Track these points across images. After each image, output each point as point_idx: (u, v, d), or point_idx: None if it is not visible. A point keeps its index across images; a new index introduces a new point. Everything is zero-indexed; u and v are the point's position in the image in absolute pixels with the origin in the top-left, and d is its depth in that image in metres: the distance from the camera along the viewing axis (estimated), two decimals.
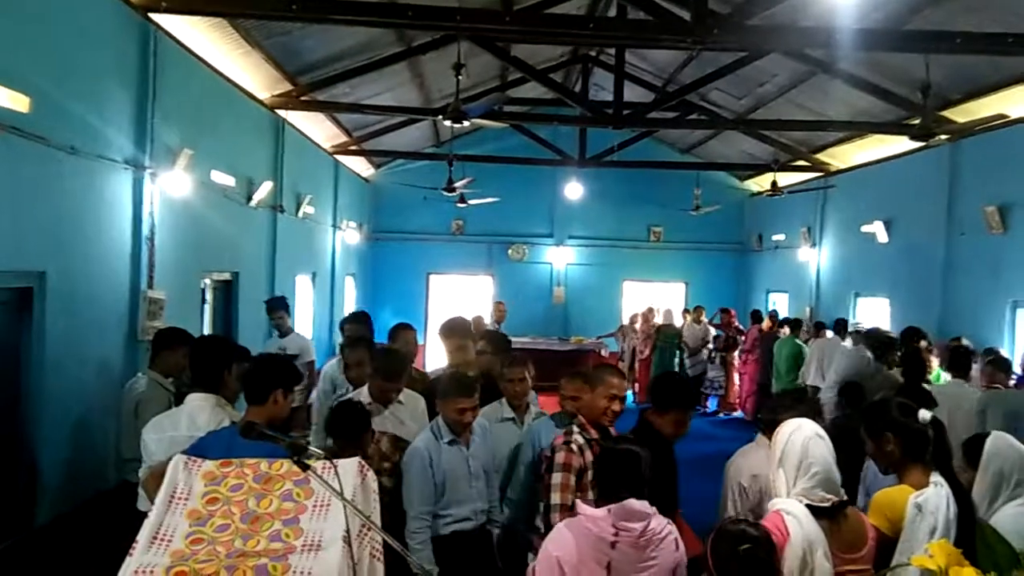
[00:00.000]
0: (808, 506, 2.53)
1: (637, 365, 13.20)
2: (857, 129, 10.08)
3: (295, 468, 2.29)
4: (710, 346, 12.80)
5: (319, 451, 2.34)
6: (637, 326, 13.44)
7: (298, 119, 10.05)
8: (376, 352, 4.58)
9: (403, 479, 3.67)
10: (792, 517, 2.49)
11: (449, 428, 3.73)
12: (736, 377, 12.65)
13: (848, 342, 9.22)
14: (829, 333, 10.23)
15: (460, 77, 7.21)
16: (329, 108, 10.10)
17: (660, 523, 2.71)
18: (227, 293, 8.11)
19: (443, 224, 15.96)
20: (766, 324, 11.78)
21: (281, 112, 9.24)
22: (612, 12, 9.42)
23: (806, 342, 10.39)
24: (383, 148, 13.89)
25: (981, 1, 6.54)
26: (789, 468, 2.64)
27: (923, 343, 7.08)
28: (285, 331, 7.32)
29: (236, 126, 8.18)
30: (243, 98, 8.17)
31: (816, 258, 13.06)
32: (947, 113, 8.21)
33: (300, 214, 10.31)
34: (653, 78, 12.09)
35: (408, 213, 15.56)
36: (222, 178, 7.47)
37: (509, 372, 4.39)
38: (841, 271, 12.33)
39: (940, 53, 6.39)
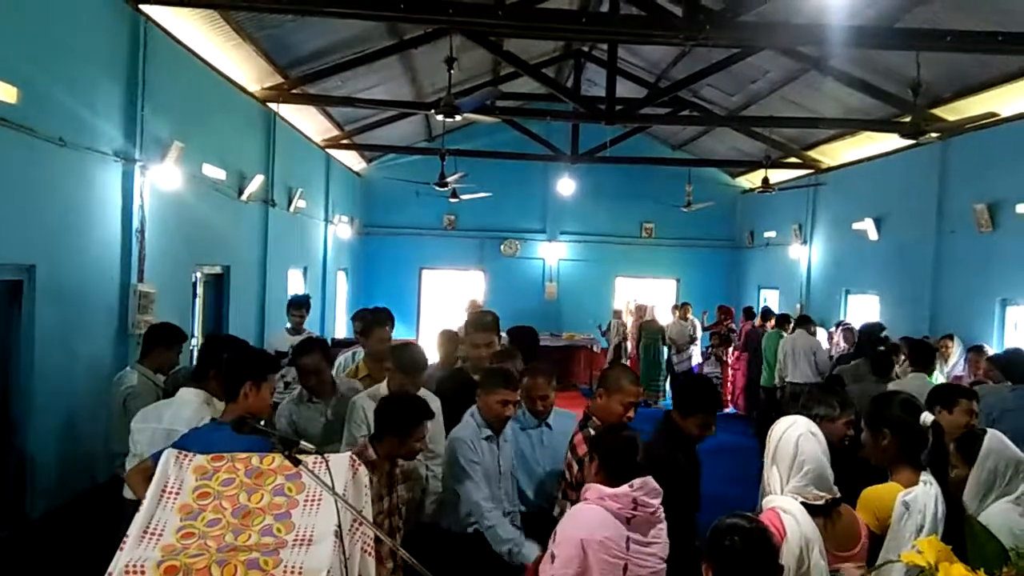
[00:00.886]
0: (803, 504, 2.54)
1: (627, 361, 13.24)
2: (848, 127, 10.12)
3: (286, 463, 2.28)
4: (697, 343, 12.84)
5: (310, 446, 2.33)
6: (626, 321, 13.48)
7: (290, 113, 10.00)
8: (395, 347, 4.51)
9: (450, 471, 3.60)
10: (788, 515, 2.50)
11: (487, 423, 3.66)
12: (730, 373, 12.71)
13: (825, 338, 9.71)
14: (821, 330, 10.32)
15: (452, 71, 7.19)
16: (321, 101, 10.07)
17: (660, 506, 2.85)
18: (218, 287, 8.08)
19: (435, 219, 15.95)
20: (757, 321, 11.84)
21: (272, 105, 9.20)
22: (605, 7, 9.40)
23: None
24: (375, 142, 13.85)
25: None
26: (783, 465, 2.66)
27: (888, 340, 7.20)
28: (300, 330, 7.06)
29: (227, 119, 8.13)
30: (234, 91, 8.12)
31: (807, 255, 13.11)
32: (937, 111, 8.25)
33: (292, 208, 10.27)
34: (646, 74, 12.10)
35: (400, 208, 15.53)
36: (213, 171, 7.43)
37: (532, 386, 3.95)
38: (832, 268, 12.39)
39: (931, 51, 6.41)
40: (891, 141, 9.78)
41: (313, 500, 2.29)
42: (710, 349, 12.75)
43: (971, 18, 6.54)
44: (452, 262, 16.32)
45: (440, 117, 7.33)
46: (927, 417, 2.89)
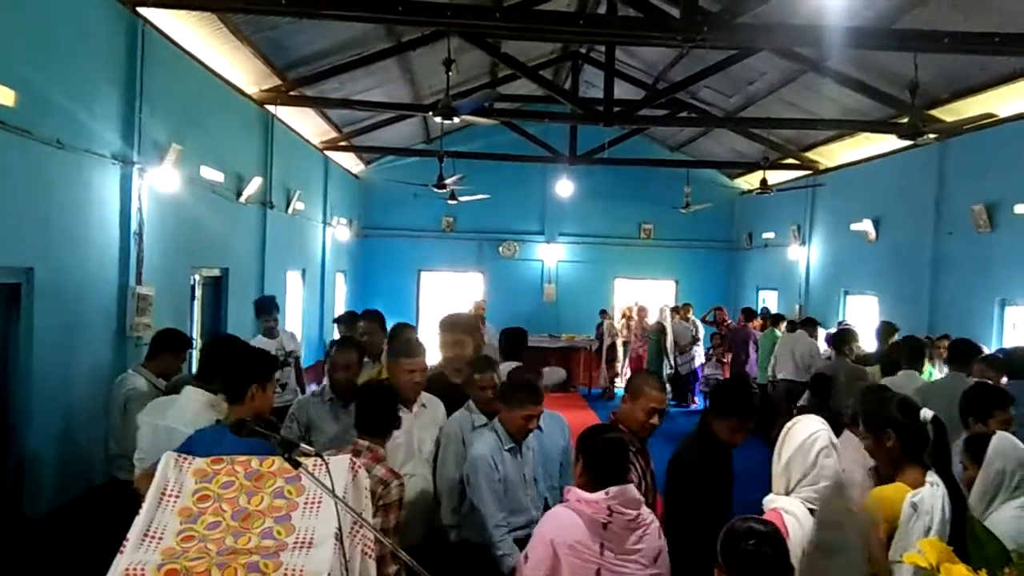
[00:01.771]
0: (812, 510, 2.53)
1: (627, 362, 13.31)
2: (846, 128, 10.13)
3: (286, 465, 2.28)
4: (700, 343, 12.86)
5: (310, 448, 2.33)
6: (624, 322, 13.50)
7: (288, 115, 10.01)
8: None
9: (470, 488, 3.54)
10: (791, 516, 2.50)
11: (510, 435, 3.61)
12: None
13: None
14: (822, 331, 10.38)
15: (450, 73, 7.19)
16: (319, 104, 10.07)
17: (647, 511, 2.82)
18: (217, 289, 8.07)
19: (434, 221, 15.95)
20: (757, 322, 11.87)
21: (270, 107, 9.20)
22: (602, 9, 9.42)
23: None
24: (373, 144, 13.86)
25: (969, 1, 6.58)
26: (795, 472, 2.65)
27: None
28: (274, 334, 6.87)
29: (225, 121, 8.13)
30: (232, 93, 8.12)
31: (805, 256, 13.12)
32: (935, 112, 8.26)
33: (290, 210, 10.27)
34: (643, 75, 12.11)
35: (398, 210, 15.54)
36: (211, 174, 7.42)
37: (480, 378, 4.02)
38: (830, 269, 12.40)
39: (928, 52, 6.43)
40: (889, 142, 9.79)
41: (313, 503, 2.28)
42: (711, 351, 12.77)
43: (969, 19, 6.55)
44: (451, 264, 16.32)
45: (438, 119, 7.33)
46: (927, 413, 2.88)
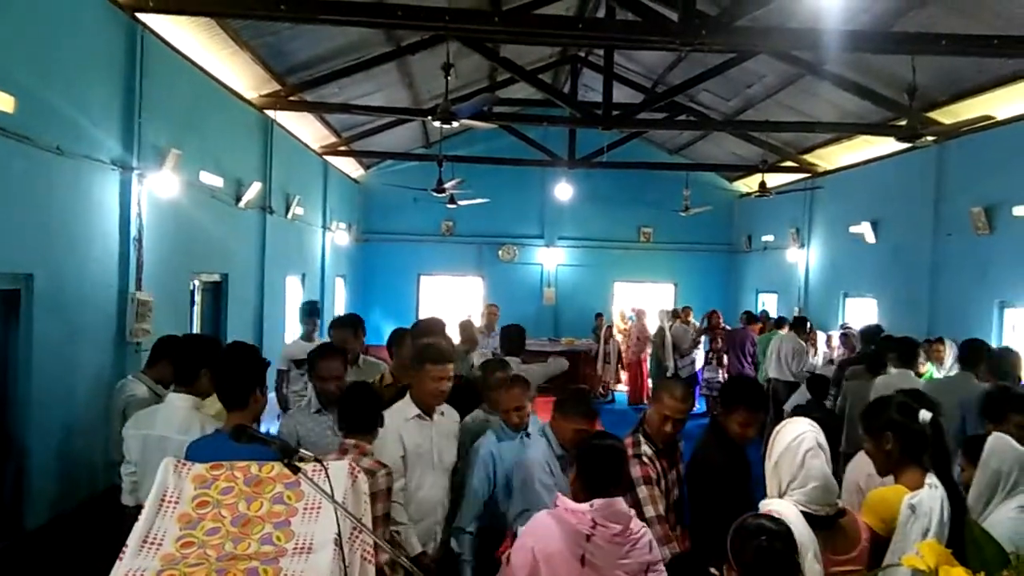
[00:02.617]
0: (805, 513, 2.53)
1: (627, 365, 13.30)
2: (844, 130, 10.14)
3: (285, 471, 2.27)
4: (700, 346, 12.84)
5: (309, 453, 2.33)
6: (624, 327, 13.49)
7: (287, 120, 10.01)
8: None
9: (522, 492, 3.52)
10: (783, 519, 2.49)
11: (560, 443, 3.59)
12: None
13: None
14: (822, 334, 10.42)
15: (449, 77, 7.19)
16: (318, 108, 10.07)
17: (637, 524, 2.79)
18: (216, 294, 8.07)
19: (433, 225, 15.96)
20: (758, 326, 11.86)
21: (270, 112, 9.21)
22: (601, 13, 9.44)
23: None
24: (372, 149, 13.85)
25: (966, 3, 6.60)
26: (784, 475, 2.65)
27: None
28: (313, 338, 7.04)
29: (224, 127, 8.14)
30: (231, 98, 8.13)
31: (805, 259, 13.13)
32: (933, 115, 8.27)
33: (289, 215, 10.27)
34: (642, 79, 12.13)
35: (398, 214, 15.55)
36: (211, 179, 7.43)
37: (507, 396, 3.96)
38: (829, 271, 12.40)
39: (926, 55, 6.44)
40: (887, 145, 9.80)
41: (312, 508, 2.29)
42: (711, 354, 12.76)
43: (966, 22, 6.57)
44: (450, 268, 16.32)
45: (437, 123, 7.32)
46: (925, 415, 2.87)
